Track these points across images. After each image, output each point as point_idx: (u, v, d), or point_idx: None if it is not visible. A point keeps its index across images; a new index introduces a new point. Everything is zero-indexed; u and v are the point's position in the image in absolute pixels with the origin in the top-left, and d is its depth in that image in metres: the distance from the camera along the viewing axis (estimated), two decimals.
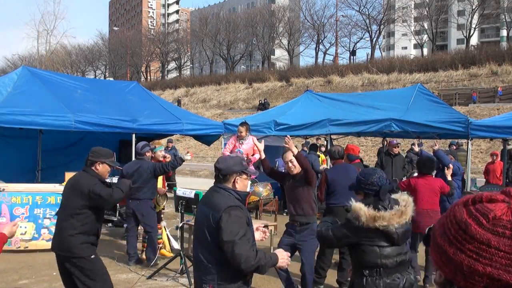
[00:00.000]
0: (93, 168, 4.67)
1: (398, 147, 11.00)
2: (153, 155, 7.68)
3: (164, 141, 17.63)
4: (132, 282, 6.38)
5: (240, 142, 7.71)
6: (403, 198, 3.45)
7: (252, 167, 7.89)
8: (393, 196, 3.49)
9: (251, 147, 7.74)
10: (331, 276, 6.58)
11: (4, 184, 8.29)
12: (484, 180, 12.44)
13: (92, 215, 4.49)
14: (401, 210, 3.31)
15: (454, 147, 14.98)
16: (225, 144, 8.39)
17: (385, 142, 13.52)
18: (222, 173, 3.24)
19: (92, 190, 4.43)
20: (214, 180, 3.36)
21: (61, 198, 4.81)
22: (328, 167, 9.35)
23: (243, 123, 7.98)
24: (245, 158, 7.56)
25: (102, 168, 4.69)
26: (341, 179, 6.14)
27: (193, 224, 5.90)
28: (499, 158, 12.02)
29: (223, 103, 50.69)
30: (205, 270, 3.11)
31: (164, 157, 7.78)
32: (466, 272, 0.90)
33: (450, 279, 0.95)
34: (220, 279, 3.07)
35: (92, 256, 4.46)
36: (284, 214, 12.26)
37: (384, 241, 3.30)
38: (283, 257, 3.29)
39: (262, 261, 3.08)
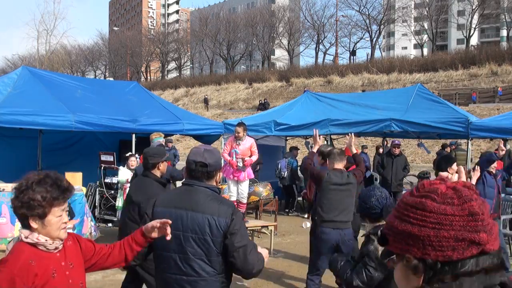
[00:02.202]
0: (154, 171, 4.56)
1: (399, 147, 11.02)
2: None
3: (163, 141, 17.64)
4: None
5: (237, 143, 7.66)
6: None
7: (250, 169, 7.90)
8: None
9: (248, 148, 7.69)
10: (331, 276, 6.57)
11: (4, 184, 8.29)
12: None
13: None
14: None
15: (453, 147, 15.02)
16: (224, 146, 8.36)
17: (385, 142, 13.53)
18: (210, 169, 2.79)
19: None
20: (189, 176, 2.86)
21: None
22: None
23: (240, 124, 7.95)
24: (240, 160, 7.56)
25: (163, 167, 4.61)
26: None
27: None
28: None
29: (223, 103, 50.70)
30: (205, 286, 2.68)
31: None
32: (434, 241, 1.03)
33: (420, 256, 1.05)
34: None
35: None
36: (284, 214, 12.27)
37: None
38: (266, 255, 2.90)
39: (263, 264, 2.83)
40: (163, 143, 7.98)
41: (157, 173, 4.54)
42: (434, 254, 1.03)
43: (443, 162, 6.18)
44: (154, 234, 2.46)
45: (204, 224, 2.68)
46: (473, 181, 5.98)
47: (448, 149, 12.89)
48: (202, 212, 2.70)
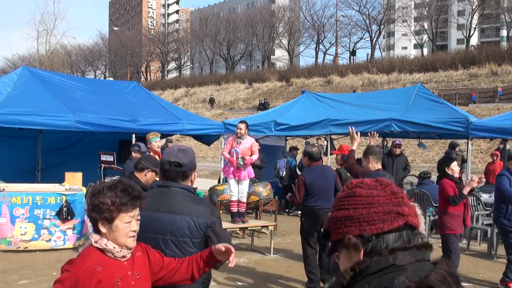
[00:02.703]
0: (141, 174, 4.53)
1: (400, 147, 11.03)
2: (148, 146, 7.50)
3: (163, 141, 17.64)
4: None
5: (238, 142, 7.62)
6: None
7: (250, 168, 7.89)
8: None
9: (248, 148, 7.67)
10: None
11: (4, 184, 8.29)
12: (484, 180, 12.44)
13: None
14: None
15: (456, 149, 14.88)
16: (224, 145, 8.33)
17: (385, 142, 13.54)
18: (184, 169, 2.74)
19: None
20: (164, 177, 2.81)
21: None
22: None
23: (243, 121, 7.93)
24: (241, 158, 7.55)
25: (150, 176, 4.57)
26: (319, 181, 6.09)
27: None
28: (499, 158, 12.02)
29: (223, 103, 50.68)
30: (186, 287, 2.62)
31: (160, 148, 7.70)
32: (367, 217, 1.23)
33: (358, 233, 1.23)
34: None
35: None
36: (284, 214, 12.26)
37: None
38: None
39: None
40: (161, 144, 7.97)
41: (142, 178, 4.50)
42: (369, 228, 1.22)
43: (441, 162, 6.21)
44: (220, 257, 2.44)
45: (183, 226, 2.65)
46: (465, 191, 5.94)
47: (457, 149, 12.84)
48: (180, 213, 2.66)
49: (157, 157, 7.77)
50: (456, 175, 6.13)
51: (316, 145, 13.77)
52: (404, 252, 1.18)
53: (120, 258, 2.18)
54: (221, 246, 2.39)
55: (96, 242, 2.15)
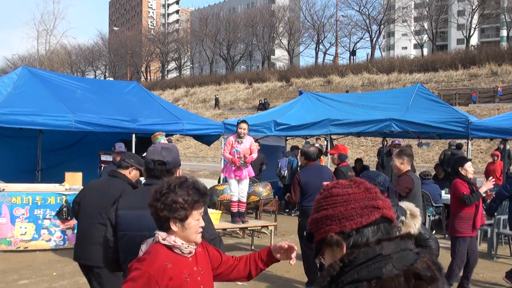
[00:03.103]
0: (126, 172, 4.40)
1: (399, 147, 11.00)
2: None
3: (163, 141, 17.63)
4: None
5: (239, 141, 7.63)
6: (409, 208, 3.35)
7: (250, 168, 7.88)
8: (401, 203, 3.39)
9: (248, 147, 7.68)
10: None
11: (4, 184, 8.29)
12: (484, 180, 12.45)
13: None
14: (405, 223, 3.21)
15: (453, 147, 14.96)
16: (224, 146, 8.32)
17: (385, 142, 13.55)
18: (169, 167, 2.77)
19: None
20: (149, 176, 2.85)
21: (79, 201, 4.46)
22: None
23: (245, 121, 7.94)
24: (242, 157, 7.54)
25: (134, 175, 4.48)
26: (314, 180, 6.06)
27: None
28: (499, 159, 12.02)
29: (223, 103, 50.69)
30: None
31: None
32: (346, 214, 1.29)
33: (339, 230, 1.28)
34: None
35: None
36: (285, 214, 12.26)
37: None
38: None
39: None
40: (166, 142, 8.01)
41: (127, 176, 4.44)
42: (349, 224, 1.28)
43: (455, 162, 6.10)
44: (279, 256, 2.47)
45: None
46: (482, 190, 5.86)
47: (464, 148, 12.89)
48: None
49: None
50: (470, 175, 5.99)
51: (316, 144, 13.80)
52: (389, 242, 1.23)
53: (187, 254, 2.18)
54: (284, 244, 2.43)
55: (164, 239, 2.14)
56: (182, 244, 2.15)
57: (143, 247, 2.22)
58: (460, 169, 5.90)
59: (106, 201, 3.94)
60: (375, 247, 1.22)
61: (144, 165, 2.87)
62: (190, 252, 2.20)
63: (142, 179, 4.92)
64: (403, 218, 3.21)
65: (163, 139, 7.83)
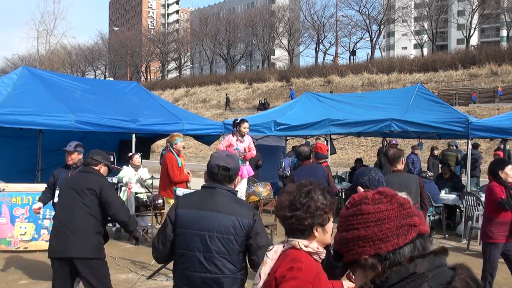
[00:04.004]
0: (97, 168, 4.62)
1: (396, 147, 10.99)
2: (173, 146, 7.83)
3: (163, 141, 17.62)
4: (132, 282, 6.38)
5: (241, 140, 7.67)
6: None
7: (249, 167, 7.90)
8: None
9: (247, 146, 7.71)
10: None
11: (4, 184, 8.29)
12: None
13: (102, 214, 4.41)
14: None
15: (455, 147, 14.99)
16: (222, 142, 8.34)
17: (385, 142, 13.56)
18: (231, 173, 2.97)
19: (105, 190, 4.39)
20: (211, 179, 3.01)
21: (57, 197, 4.65)
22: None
23: (246, 120, 7.96)
24: (242, 155, 7.57)
25: (104, 171, 4.68)
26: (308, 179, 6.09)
27: None
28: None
29: (223, 103, 50.71)
30: (228, 282, 2.86)
31: (184, 147, 7.92)
32: (380, 235, 1.17)
33: (374, 252, 1.18)
34: (241, 287, 2.98)
35: (105, 258, 4.43)
36: None
37: None
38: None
39: None
40: (183, 143, 8.10)
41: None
42: (385, 246, 1.17)
43: (495, 164, 5.73)
44: None
45: (229, 224, 2.86)
46: None
47: (464, 148, 13.02)
48: (226, 213, 2.87)
49: (177, 157, 7.83)
50: (510, 179, 5.58)
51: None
52: (423, 259, 1.15)
53: (320, 259, 2.14)
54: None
55: (306, 246, 2.09)
56: (319, 249, 2.12)
57: (270, 254, 2.17)
58: (500, 172, 5.55)
59: (83, 190, 4.32)
60: (408, 266, 1.14)
61: (207, 168, 3.04)
62: (321, 257, 2.16)
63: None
64: None
65: (180, 141, 7.89)
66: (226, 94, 49.88)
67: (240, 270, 2.91)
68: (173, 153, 7.89)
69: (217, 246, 2.85)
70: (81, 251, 4.24)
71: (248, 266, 3.00)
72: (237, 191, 3.10)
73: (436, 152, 15.28)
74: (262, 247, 2.85)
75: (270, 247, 2.24)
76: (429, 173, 10.50)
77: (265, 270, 2.14)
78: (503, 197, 5.40)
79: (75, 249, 4.22)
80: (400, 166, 5.51)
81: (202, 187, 3.11)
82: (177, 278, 2.98)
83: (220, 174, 2.95)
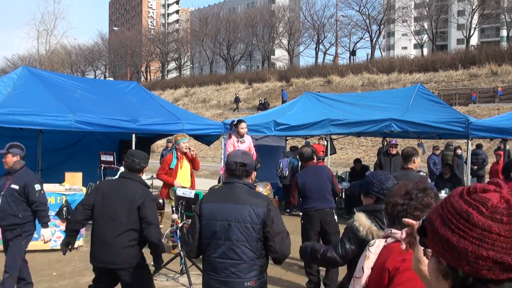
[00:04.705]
0: (140, 175, 4.33)
1: (396, 147, 11.02)
2: (177, 147, 7.84)
3: (164, 141, 17.63)
4: None
5: (241, 141, 7.69)
6: None
7: None
8: None
9: (248, 146, 7.73)
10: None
11: None
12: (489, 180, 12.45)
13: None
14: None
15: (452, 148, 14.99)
16: (225, 145, 8.36)
17: (385, 142, 13.56)
18: (248, 168, 3.30)
19: (147, 206, 4.15)
20: (230, 176, 3.32)
21: (95, 205, 4.26)
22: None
23: (243, 120, 7.98)
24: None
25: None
26: (312, 181, 6.03)
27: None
28: (502, 158, 12.03)
29: (223, 103, 50.68)
30: (246, 268, 3.15)
31: (189, 149, 7.88)
32: (471, 257, 0.97)
33: (453, 266, 1.01)
34: (261, 274, 3.24)
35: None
36: (286, 214, 12.25)
37: None
38: None
39: None
40: (187, 144, 8.08)
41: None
42: (468, 269, 0.98)
43: (510, 166, 5.46)
44: None
45: (245, 213, 3.15)
46: None
47: (464, 148, 12.99)
48: (243, 203, 3.18)
49: (175, 159, 7.84)
50: None
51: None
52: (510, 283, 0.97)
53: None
54: None
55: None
56: None
57: (372, 249, 2.22)
58: None
59: (127, 207, 4.13)
60: None
61: (226, 167, 3.36)
62: None
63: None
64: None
65: (182, 142, 7.89)
66: (236, 94, 49.14)
67: (259, 257, 3.19)
68: (173, 154, 7.93)
69: (236, 234, 3.13)
70: (125, 262, 4.13)
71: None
72: (253, 185, 3.39)
73: (459, 151, 15.00)
74: (278, 233, 3.15)
75: (372, 242, 2.25)
76: (422, 172, 10.51)
77: (367, 264, 2.20)
78: None
79: (118, 260, 4.10)
80: (412, 165, 5.48)
81: (223, 183, 3.46)
82: (205, 265, 3.28)
83: (238, 170, 3.27)
